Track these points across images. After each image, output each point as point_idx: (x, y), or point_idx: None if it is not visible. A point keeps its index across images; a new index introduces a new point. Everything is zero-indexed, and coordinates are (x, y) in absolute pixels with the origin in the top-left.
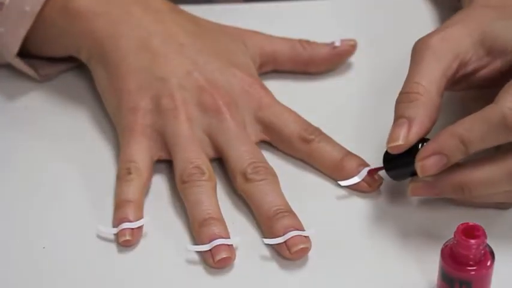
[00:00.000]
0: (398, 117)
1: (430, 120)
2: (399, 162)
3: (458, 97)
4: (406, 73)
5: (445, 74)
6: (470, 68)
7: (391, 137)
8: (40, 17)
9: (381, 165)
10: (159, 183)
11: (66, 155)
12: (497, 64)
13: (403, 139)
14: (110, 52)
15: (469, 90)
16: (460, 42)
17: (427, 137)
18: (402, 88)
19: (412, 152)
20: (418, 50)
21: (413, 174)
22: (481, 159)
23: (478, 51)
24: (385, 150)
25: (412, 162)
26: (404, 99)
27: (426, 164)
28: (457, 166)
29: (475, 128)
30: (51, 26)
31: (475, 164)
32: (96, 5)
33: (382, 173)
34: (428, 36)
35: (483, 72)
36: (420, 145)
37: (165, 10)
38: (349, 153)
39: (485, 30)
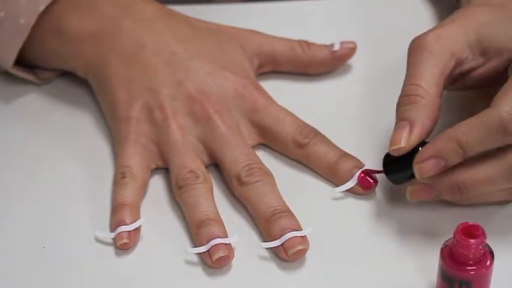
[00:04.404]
0: (399, 119)
1: (431, 122)
2: (399, 166)
3: (456, 96)
4: (405, 74)
5: (443, 74)
6: (466, 67)
7: (393, 140)
8: (33, 38)
9: (379, 166)
10: (157, 191)
11: (67, 156)
12: (493, 64)
13: (405, 141)
14: (101, 67)
15: (465, 90)
16: (456, 40)
17: (429, 138)
18: (402, 91)
19: (412, 154)
20: (414, 49)
21: (413, 177)
22: (478, 158)
23: (473, 51)
24: (384, 153)
25: (412, 165)
26: (404, 102)
27: (424, 166)
28: (454, 166)
29: (472, 132)
30: (44, 47)
31: (471, 164)
32: (88, 23)
33: (382, 177)
34: (424, 35)
35: (479, 72)
36: (420, 148)
37: (156, 18)
38: (344, 155)
39: (481, 30)
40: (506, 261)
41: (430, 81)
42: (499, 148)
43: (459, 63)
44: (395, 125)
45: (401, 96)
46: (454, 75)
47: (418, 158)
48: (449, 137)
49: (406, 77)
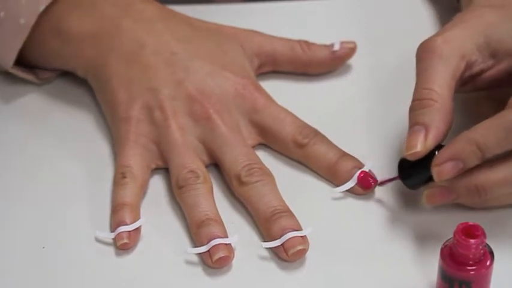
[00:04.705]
0: (413, 124)
1: (446, 125)
2: (415, 170)
3: (464, 98)
4: (406, 74)
5: (454, 77)
6: (476, 69)
7: (409, 145)
8: (33, 38)
9: (380, 165)
10: (157, 191)
11: (67, 156)
12: (503, 65)
13: (421, 146)
14: (101, 67)
15: (476, 91)
16: (464, 43)
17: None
18: (414, 95)
19: (427, 159)
20: (423, 54)
21: (429, 181)
22: (495, 160)
23: (482, 53)
24: (383, 152)
25: (429, 169)
26: (418, 106)
27: (443, 169)
28: (471, 169)
29: (490, 134)
30: (44, 47)
31: (489, 165)
32: (88, 23)
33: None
34: (432, 39)
35: (489, 73)
36: (436, 151)
37: (156, 18)
38: (343, 155)
39: (488, 32)
40: (506, 261)
41: (442, 84)
42: None
43: (469, 65)
44: (410, 130)
45: (414, 101)
46: (465, 78)
47: (436, 160)
48: (468, 139)
49: (417, 81)
